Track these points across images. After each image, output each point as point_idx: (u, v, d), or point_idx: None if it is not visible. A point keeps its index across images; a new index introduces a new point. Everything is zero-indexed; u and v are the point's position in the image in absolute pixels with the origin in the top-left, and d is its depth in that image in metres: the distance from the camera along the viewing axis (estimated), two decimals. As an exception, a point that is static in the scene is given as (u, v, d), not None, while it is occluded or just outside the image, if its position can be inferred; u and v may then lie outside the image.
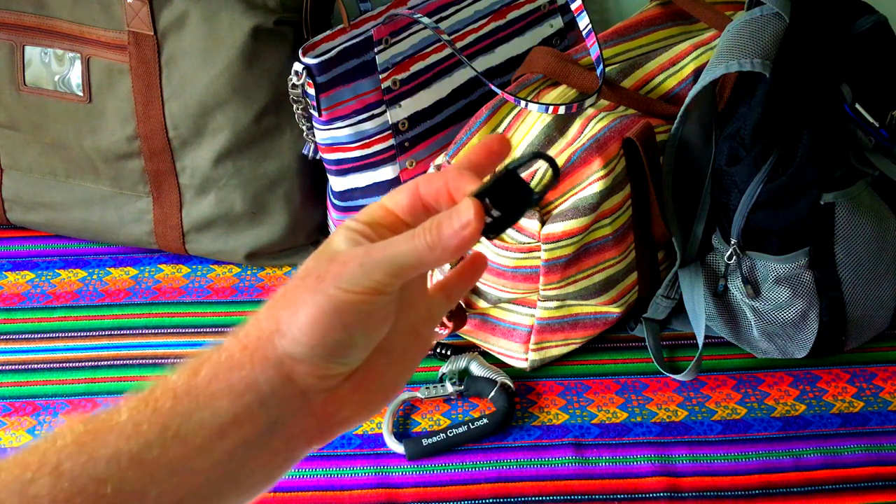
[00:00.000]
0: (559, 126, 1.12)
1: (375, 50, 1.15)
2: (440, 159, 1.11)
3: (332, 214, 1.26)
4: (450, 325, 1.14)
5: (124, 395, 0.48)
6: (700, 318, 1.11)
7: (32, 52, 1.25)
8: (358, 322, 0.51)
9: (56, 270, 1.30)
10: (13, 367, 1.18)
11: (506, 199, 0.52)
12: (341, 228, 0.55)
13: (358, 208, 1.22)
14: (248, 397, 0.49)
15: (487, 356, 1.16)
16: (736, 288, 1.11)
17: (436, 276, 1.15)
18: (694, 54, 1.18)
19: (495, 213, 0.52)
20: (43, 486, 0.45)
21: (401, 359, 0.55)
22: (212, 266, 1.30)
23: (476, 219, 0.50)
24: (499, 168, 0.53)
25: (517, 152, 1.11)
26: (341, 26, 1.17)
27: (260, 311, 0.52)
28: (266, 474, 0.51)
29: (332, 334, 0.50)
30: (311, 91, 1.14)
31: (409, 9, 1.19)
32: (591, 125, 1.10)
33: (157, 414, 0.47)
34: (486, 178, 0.53)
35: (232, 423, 0.49)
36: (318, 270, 0.51)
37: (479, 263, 0.59)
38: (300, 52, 1.14)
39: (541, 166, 1.08)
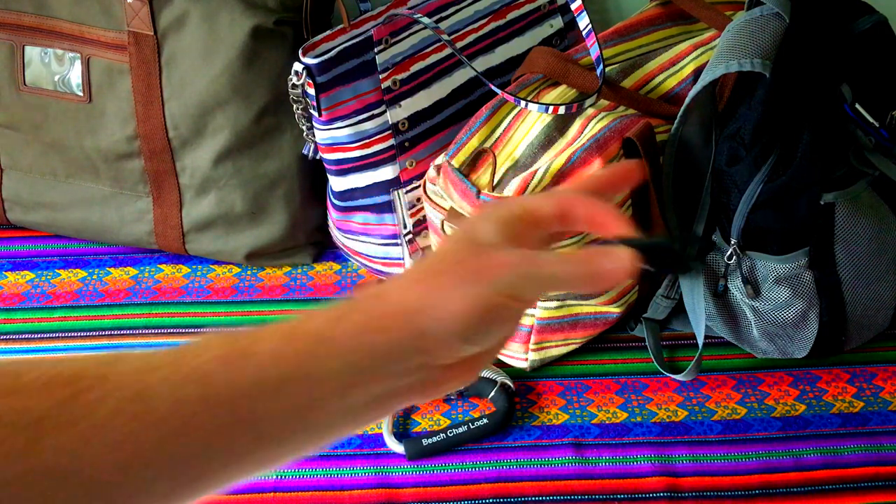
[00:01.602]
0: (559, 126, 1.12)
1: (375, 50, 1.15)
2: (440, 159, 1.11)
3: (332, 214, 1.26)
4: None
5: (262, 325, 0.51)
6: (700, 318, 1.11)
7: (32, 52, 1.25)
8: (503, 320, 0.55)
9: (56, 270, 1.30)
10: (13, 367, 1.18)
11: (657, 262, 0.57)
12: (489, 218, 0.57)
13: (358, 208, 1.22)
14: (386, 360, 0.52)
15: (487, 356, 1.16)
16: (736, 288, 1.11)
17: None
18: (694, 54, 1.18)
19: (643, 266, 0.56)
20: (191, 393, 0.47)
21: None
22: (212, 266, 1.30)
23: (632, 272, 0.55)
24: (661, 236, 0.56)
25: (518, 151, 1.11)
26: (341, 26, 1.17)
27: (393, 283, 0.54)
28: (364, 424, 0.54)
29: (478, 327, 0.53)
30: (311, 91, 1.14)
31: (409, 9, 1.19)
32: (591, 125, 1.10)
33: (297, 354, 0.50)
34: (643, 236, 0.57)
35: (365, 379, 0.51)
36: (471, 262, 0.54)
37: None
38: (300, 52, 1.14)
39: (540, 167, 1.08)
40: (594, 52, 1.14)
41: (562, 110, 1.10)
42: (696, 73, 1.16)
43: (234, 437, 0.49)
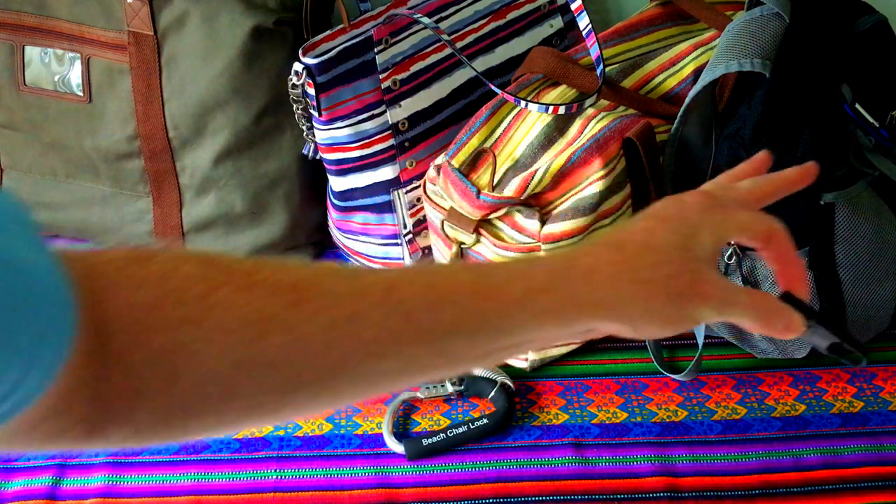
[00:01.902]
0: (559, 126, 1.12)
1: (375, 50, 1.15)
2: (440, 159, 1.11)
3: (332, 214, 1.26)
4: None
5: (462, 262, 0.57)
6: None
7: (32, 52, 1.25)
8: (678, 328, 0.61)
9: (56, 270, 1.30)
10: (13, 367, 1.18)
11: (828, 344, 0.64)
12: (711, 230, 0.62)
13: (358, 208, 1.22)
14: (566, 330, 0.58)
15: (487, 356, 1.16)
16: (736, 288, 1.11)
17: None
18: (694, 54, 1.18)
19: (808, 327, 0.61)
20: (395, 326, 0.53)
21: None
22: (212, 266, 1.30)
23: (797, 335, 0.62)
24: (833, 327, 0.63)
25: (518, 151, 1.11)
26: (341, 26, 1.17)
27: (609, 263, 0.58)
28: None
29: (657, 333, 0.60)
30: (311, 91, 1.14)
31: (409, 9, 1.19)
32: (591, 125, 1.10)
33: (485, 313, 0.55)
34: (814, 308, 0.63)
35: (541, 338, 0.58)
36: (683, 282, 0.59)
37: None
38: (300, 52, 1.14)
39: (540, 167, 1.08)
40: (594, 52, 1.14)
41: (562, 110, 1.10)
42: (696, 73, 1.16)
43: (426, 365, 0.55)
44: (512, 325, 0.55)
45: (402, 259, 1.23)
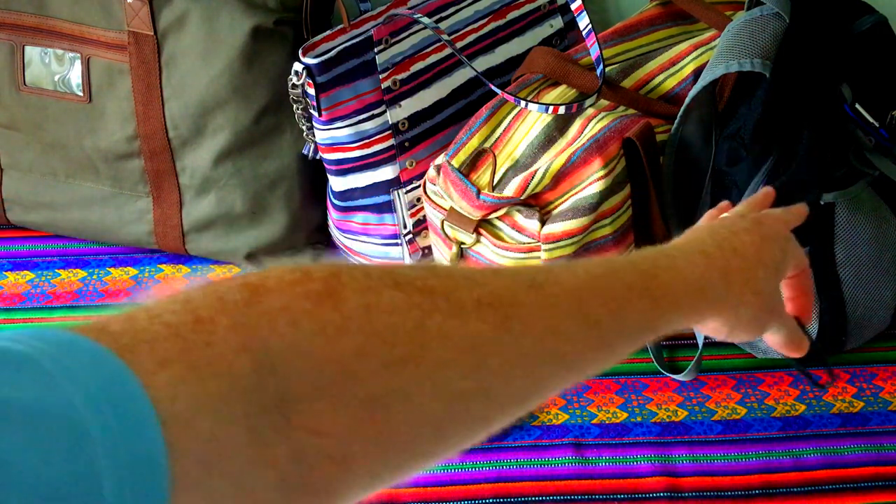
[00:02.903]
0: (559, 126, 1.12)
1: (375, 50, 1.15)
2: (440, 159, 1.11)
3: (332, 214, 1.26)
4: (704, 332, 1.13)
5: (626, 258, 0.59)
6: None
7: (32, 52, 1.25)
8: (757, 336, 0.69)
9: (56, 270, 1.30)
10: (13, 367, 1.18)
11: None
12: (791, 257, 0.69)
13: (358, 208, 1.22)
14: (692, 324, 0.63)
15: (487, 356, 1.16)
16: (736, 288, 1.11)
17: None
18: (694, 54, 1.18)
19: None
20: (599, 311, 0.54)
21: None
22: (212, 266, 1.30)
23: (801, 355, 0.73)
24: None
25: (518, 151, 1.11)
26: (341, 26, 1.17)
27: (728, 268, 0.63)
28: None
29: (746, 338, 0.67)
30: (311, 91, 1.14)
31: (409, 9, 1.19)
32: (591, 125, 1.10)
33: (663, 301, 0.58)
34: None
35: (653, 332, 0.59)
36: (773, 303, 0.67)
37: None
38: (300, 52, 1.14)
39: (540, 167, 1.08)
40: (594, 52, 1.14)
41: (562, 110, 1.10)
42: (696, 73, 1.16)
43: (599, 366, 0.55)
44: (669, 323, 0.58)
45: (402, 259, 1.23)
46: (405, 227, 1.22)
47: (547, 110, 1.10)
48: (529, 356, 0.50)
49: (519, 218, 1.07)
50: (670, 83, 1.17)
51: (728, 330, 0.65)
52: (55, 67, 1.25)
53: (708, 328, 0.65)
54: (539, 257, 1.07)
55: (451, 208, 1.10)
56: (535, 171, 1.07)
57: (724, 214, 0.73)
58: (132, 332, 0.39)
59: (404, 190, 1.21)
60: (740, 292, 0.63)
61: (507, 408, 0.50)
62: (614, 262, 0.58)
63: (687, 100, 1.08)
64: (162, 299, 0.42)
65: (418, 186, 1.20)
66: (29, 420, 0.34)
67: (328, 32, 1.16)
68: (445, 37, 1.16)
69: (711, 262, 0.61)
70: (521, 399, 0.51)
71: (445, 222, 1.10)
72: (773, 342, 0.71)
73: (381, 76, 1.16)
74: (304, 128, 1.20)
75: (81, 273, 1.29)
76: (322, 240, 1.31)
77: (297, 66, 1.13)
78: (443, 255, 1.14)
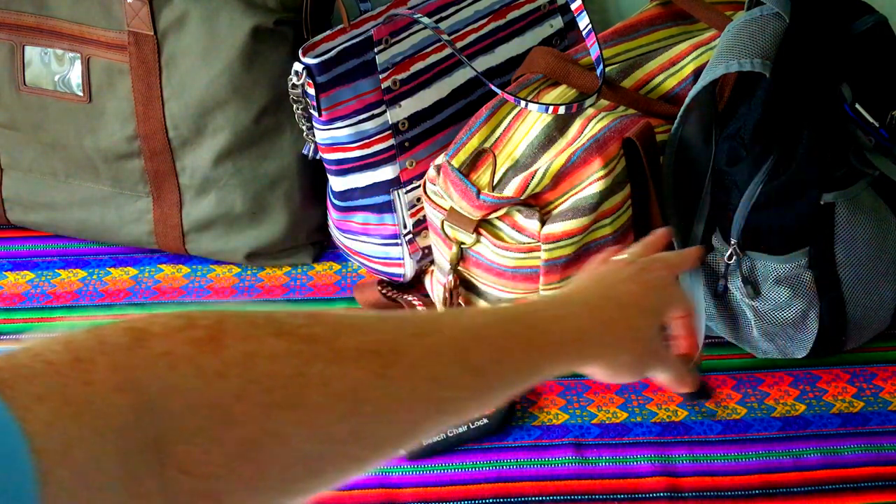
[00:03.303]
0: (559, 126, 1.12)
1: (375, 50, 1.15)
2: (440, 159, 1.11)
3: (332, 214, 1.26)
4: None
5: (506, 309, 0.63)
6: (700, 318, 1.11)
7: (32, 52, 1.25)
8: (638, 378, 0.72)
9: (56, 270, 1.30)
10: (13, 367, 1.18)
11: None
12: (672, 303, 0.74)
13: (358, 208, 1.22)
14: (576, 369, 0.66)
15: (487, 356, 1.16)
16: (736, 288, 1.11)
17: (436, 275, 1.16)
18: (694, 54, 1.18)
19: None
20: (468, 384, 0.56)
21: None
22: (212, 266, 1.30)
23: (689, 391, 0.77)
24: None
25: (518, 151, 1.11)
26: (341, 26, 1.17)
27: (599, 311, 0.67)
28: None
29: (628, 380, 0.71)
30: (311, 91, 1.14)
31: (409, 9, 1.19)
32: (591, 125, 1.10)
33: (543, 351, 0.61)
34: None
35: (538, 377, 0.63)
36: (652, 347, 0.70)
37: None
38: (300, 52, 1.14)
39: (540, 167, 1.08)
40: (594, 52, 1.14)
41: (562, 110, 1.10)
42: (696, 73, 1.16)
43: (477, 411, 0.57)
44: (551, 369, 0.61)
45: (402, 259, 1.23)
46: (405, 227, 1.22)
47: (547, 110, 1.10)
48: (407, 402, 0.52)
49: (519, 218, 1.07)
50: (670, 83, 1.17)
51: (611, 373, 0.68)
52: (55, 67, 1.25)
53: (591, 371, 0.68)
54: (539, 257, 1.07)
55: (451, 208, 1.10)
56: (535, 171, 1.07)
57: (617, 257, 0.76)
58: (11, 367, 0.40)
59: (404, 190, 1.21)
60: (620, 340, 0.67)
61: (382, 449, 0.52)
62: (500, 312, 0.61)
63: (687, 100, 1.08)
64: (45, 340, 0.43)
65: (418, 186, 1.20)
66: None
67: (328, 32, 1.16)
68: (445, 37, 1.16)
69: (593, 312, 0.65)
70: (396, 441, 0.53)
71: (445, 222, 1.10)
72: (660, 381, 0.74)
73: (381, 76, 1.16)
74: (304, 128, 1.20)
75: (81, 273, 1.29)
76: (322, 240, 1.31)
77: (297, 66, 1.13)
78: (443, 255, 1.14)
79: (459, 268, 1.13)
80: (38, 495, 0.36)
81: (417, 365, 0.53)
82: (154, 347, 0.44)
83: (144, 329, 0.45)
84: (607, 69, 1.16)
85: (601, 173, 1.07)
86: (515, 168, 1.10)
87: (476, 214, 1.07)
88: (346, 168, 1.20)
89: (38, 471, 0.37)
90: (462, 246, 1.10)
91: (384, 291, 1.23)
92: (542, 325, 0.61)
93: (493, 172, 1.08)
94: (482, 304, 1.14)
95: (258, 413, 0.46)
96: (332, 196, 1.24)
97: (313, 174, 1.27)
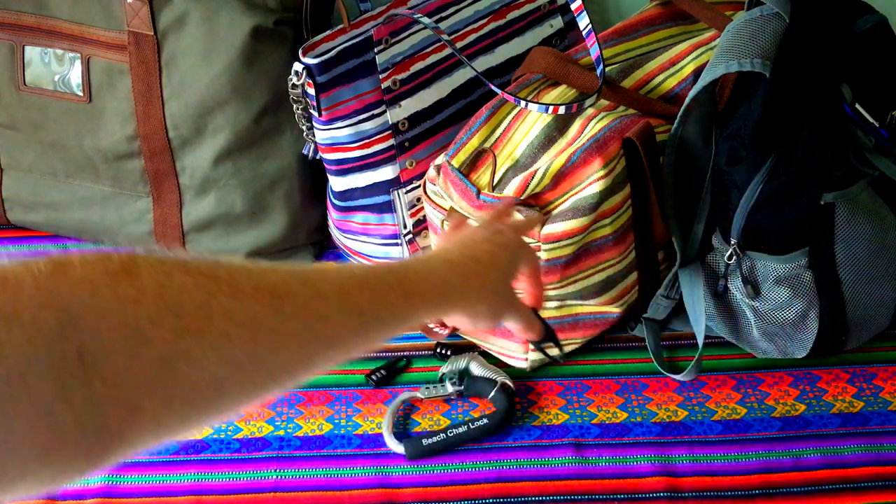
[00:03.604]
0: (559, 126, 1.12)
1: (375, 50, 1.15)
2: (440, 159, 1.11)
3: (332, 214, 1.26)
4: (450, 325, 1.14)
5: (385, 265, 0.71)
6: (700, 318, 1.11)
7: (32, 52, 1.25)
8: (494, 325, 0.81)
9: (56, 270, 1.30)
10: (13, 367, 1.18)
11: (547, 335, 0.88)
12: (524, 260, 0.82)
13: (358, 208, 1.22)
14: (438, 316, 0.76)
15: (487, 356, 1.16)
16: (736, 288, 1.11)
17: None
18: (694, 54, 1.18)
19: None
20: (352, 322, 0.64)
21: None
22: (212, 266, 1.30)
23: (537, 338, 0.87)
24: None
25: (518, 151, 1.11)
26: (341, 26, 1.17)
27: (455, 268, 0.75)
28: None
29: (483, 327, 0.80)
30: (311, 91, 1.14)
31: (409, 9, 1.19)
32: (591, 125, 1.10)
33: (413, 299, 0.69)
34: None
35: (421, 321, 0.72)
36: (504, 297, 0.79)
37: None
38: (300, 52, 1.14)
39: (540, 167, 1.08)
40: (594, 52, 1.14)
41: (562, 110, 1.10)
42: (696, 73, 1.16)
43: (358, 350, 0.65)
44: (419, 314, 0.70)
45: (402, 259, 1.24)
46: (405, 227, 1.22)
47: (547, 110, 1.10)
48: (299, 335, 0.60)
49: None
50: (670, 83, 1.17)
51: (470, 320, 0.77)
52: (55, 67, 1.25)
53: (453, 320, 0.77)
54: (539, 258, 1.07)
55: (451, 208, 1.10)
56: (535, 171, 1.07)
57: (471, 221, 0.85)
58: None
59: (404, 190, 1.21)
60: (478, 291, 0.76)
61: (279, 377, 0.59)
62: (377, 267, 0.71)
63: (687, 100, 1.08)
64: None
65: (418, 186, 1.20)
66: None
67: (328, 32, 1.16)
68: (445, 37, 1.16)
69: (455, 269, 0.75)
70: (291, 370, 0.60)
71: (445, 222, 1.10)
72: (512, 328, 0.83)
73: (381, 76, 1.16)
74: (304, 128, 1.20)
75: (81, 273, 1.29)
76: (322, 240, 1.31)
77: (297, 66, 1.13)
78: (443, 255, 1.14)
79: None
80: None
81: (307, 305, 0.60)
82: (75, 274, 0.50)
83: (66, 260, 0.51)
84: (607, 69, 1.16)
85: (601, 173, 1.07)
86: (515, 168, 1.10)
87: (476, 214, 1.07)
88: (346, 168, 1.20)
89: None
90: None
91: (384, 291, 1.23)
92: (412, 277, 0.70)
93: (493, 172, 1.08)
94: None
95: (170, 336, 0.52)
96: (332, 196, 1.24)
97: (313, 174, 1.27)
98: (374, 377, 1.15)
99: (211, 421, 0.57)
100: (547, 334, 0.87)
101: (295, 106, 1.17)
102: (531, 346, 0.89)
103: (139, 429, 0.52)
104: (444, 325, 1.15)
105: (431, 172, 1.12)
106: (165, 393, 0.52)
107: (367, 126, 1.18)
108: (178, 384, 0.53)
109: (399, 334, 0.68)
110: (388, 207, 1.22)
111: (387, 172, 1.20)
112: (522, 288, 0.85)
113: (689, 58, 1.18)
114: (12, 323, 0.47)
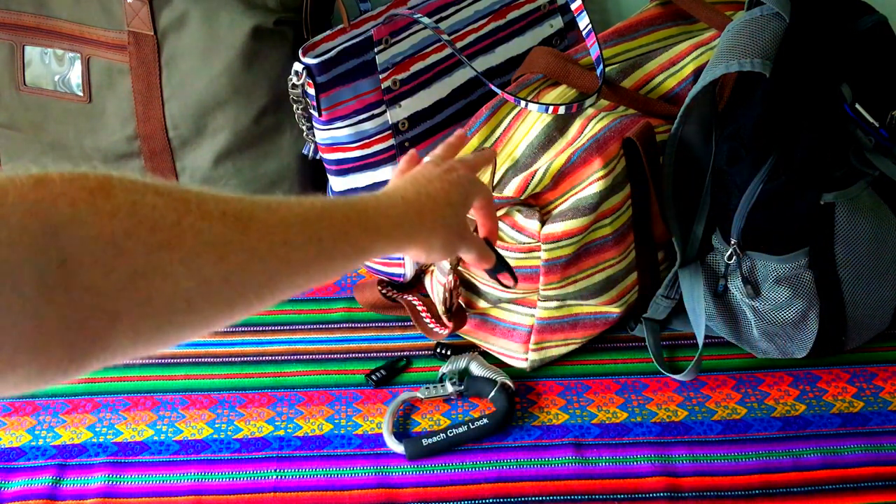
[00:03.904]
0: (559, 126, 1.12)
1: (375, 50, 1.16)
2: (440, 159, 1.11)
3: (332, 214, 1.26)
4: (450, 324, 1.14)
5: (344, 199, 0.75)
6: (700, 318, 1.11)
7: (32, 52, 1.25)
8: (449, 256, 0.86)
9: (56, 270, 1.30)
10: (13, 367, 1.18)
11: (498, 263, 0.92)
12: (476, 193, 0.86)
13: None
14: (396, 250, 0.80)
15: (487, 356, 1.16)
16: (736, 288, 1.11)
17: (436, 275, 1.16)
18: (694, 54, 1.18)
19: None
20: (310, 252, 0.69)
21: None
22: (212, 266, 1.30)
23: (490, 266, 0.91)
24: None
25: (518, 151, 1.11)
26: (341, 26, 1.17)
27: (412, 204, 0.80)
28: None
29: (438, 259, 0.85)
30: (311, 91, 1.14)
31: (409, 9, 1.19)
32: (591, 125, 1.10)
33: (370, 231, 0.75)
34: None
35: (379, 254, 0.77)
36: (456, 230, 0.83)
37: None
38: (300, 52, 1.14)
39: (540, 167, 1.08)
40: (594, 52, 1.14)
41: (562, 110, 1.10)
42: (696, 73, 1.16)
43: (319, 277, 0.70)
44: (376, 246, 0.75)
45: (402, 259, 1.23)
46: (405, 227, 1.22)
47: (547, 110, 1.10)
48: (265, 258, 0.64)
49: (519, 218, 1.07)
50: (670, 83, 1.17)
51: (426, 254, 0.81)
52: (55, 67, 1.25)
53: (410, 254, 0.82)
54: (539, 257, 1.07)
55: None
56: (536, 171, 1.07)
57: (426, 159, 0.90)
58: None
59: (404, 190, 1.21)
60: (432, 226, 0.80)
61: (246, 296, 0.64)
62: (339, 201, 0.75)
63: (687, 100, 1.08)
64: None
65: (418, 186, 1.20)
66: None
67: (328, 32, 1.16)
68: (445, 37, 1.16)
69: (409, 204, 0.79)
70: (258, 290, 0.65)
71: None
72: (468, 259, 0.88)
73: (381, 76, 1.17)
74: (304, 128, 1.20)
75: (81, 273, 1.29)
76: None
77: (297, 66, 1.13)
78: (443, 255, 1.14)
79: (459, 268, 1.13)
80: None
81: (272, 230, 0.65)
82: (55, 189, 0.54)
83: (46, 176, 0.55)
84: (607, 69, 1.16)
85: (601, 173, 1.07)
86: (515, 168, 1.10)
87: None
88: (346, 168, 1.20)
89: None
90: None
91: (384, 291, 1.23)
92: (371, 213, 0.75)
93: (494, 172, 1.08)
94: (482, 304, 1.14)
95: (144, 250, 0.57)
96: (332, 196, 1.24)
97: (313, 174, 1.27)
98: (374, 377, 1.15)
99: (186, 336, 0.61)
100: (500, 263, 0.91)
101: (295, 106, 1.17)
102: (487, 274, 0.92)
103: (118, 335, 0.56)
104: (443, 325, 1.15)
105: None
106: (141, 303, 0.57)
107: (367, 126, 1.18)
108: (153, 296, 0.57)
109: (356, 266, 0.74)
110: (388, 207, 1.22)
111: (387, 172, 1.20)
112: (477, 220, 0.90)
113: (689, 58, 1.18)
114: (0, 225, 0.51)
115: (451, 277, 1.11)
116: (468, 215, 0.87)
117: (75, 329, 0.54)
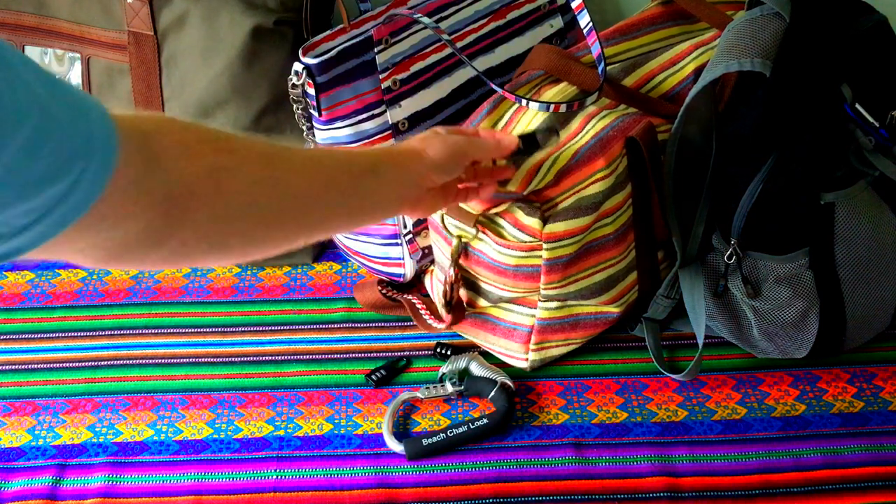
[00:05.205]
0: (560, 120, 1.12)
1: (375, 50, 1.15)
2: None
3: (332, 214, 1.26)
4: (448, 317, 1.14)
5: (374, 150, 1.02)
6: (700, 318, 1.11)
7: (32, 53, 1.25)
8: (457, 168, 0.97)
9: (56, 270, 1.30)
10: (13, 367, 1.18)
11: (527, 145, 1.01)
12: (469, 154, 0.99)
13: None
14: (412, 190, 0.95)
15: (487, 356, 1.16)
16: (736, 288, 1.11)
17: (437, 273, 1.16)
18: (694, 54, 1.18)
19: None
20: (360, 169, 0.88)
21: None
22: (213, 267, 1.30)
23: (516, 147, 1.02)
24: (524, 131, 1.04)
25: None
26: (341, 26, 1.17)
27: (416, 143, 0.96)
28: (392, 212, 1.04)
29: (445, 166, 0.96)
30: (311, 91, 1.14)
31: (409, 9, 1.19)
32: (592, 122, 1.10)
33: (396, 167, 0.93)
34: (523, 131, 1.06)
35: (406, 189, 0.96)
36: (461, 141, 0.96)
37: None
38: (300, 52, 1.14)
39: (544, 162, 1.08)
40: (595, 49, 1.14)
41: (563, 108, 1.10)
42: (697, 73, 1.16)
43: (352, 212, 0.89)
44: (389, 196, 0.92)
45: (402, 259, 1.23)
46: (405, 227, 1.22)
47: (548, 108, 1.10)
48: (300, 172, 0.81)
49: (520, 215, 1.07)
50: (671, 82, 1.17)
51: (432, 163, 0.93)
52: (55, 67, 1.25)
53: (405, 212, 1.03)
54: (541, 256, 1.07)
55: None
56: (540, 165, 1.07)
57: (437, 128, 0.99)
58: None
59: (404, 190, 1.21)
60: (431, 139, 0.94)
61: (291, 203, 0.80)
62: (366, 150, 1.01)
63: (687, 99, 1.08)
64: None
65: (418, 186, 1.20)
66: (62, 92, 0.68)
67: (328, 32, 1.16)
68: (445, 37, 1.16)
69: (418, 154, 0.93)
70: (301, 198, 0.80)
71: (446, 217, 1.10)
72: (483, 152, 0.99)
73: (381, 76, 1.16)
74: (304, 128, 1.20)
75: (81, 273, 1.29)
76: (322, 240, 1.31)
77: (297, 66, 1.13)
78: (443, 253, 1.14)
79: (461, 263, 1.12)
80: (113, 161, 0.66)
81: (314, 169, 0.82)
82: (143, 115, 0.74)
83: (136, 113, 0.77)
84: (608, 68, 1.16)
85: (604, 172, 1.07)
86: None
87: (477, 208, 1.07)
88: (346, 168, 1.20)
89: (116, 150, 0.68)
90: (463, 240, 1.10)
91: (384, 291, 1.23)
92: (399, 159, 0.92)
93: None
94: (483, 303, 1.14)
95: (211, 152, 0.73)
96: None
97: (313, 174, 1.27)
98: (374, 377, 1.15)
99: (247, 242, 0.78)
100: (526, 139, 1.01)
101: (295, 106, 1.17)
102: (517, 162, 1.05)
103: (194, 223, 0.71)
104: (439, 319, 1.15)
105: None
106: (214, 194, 0.72)
107: (367, 126, 1.18)
108: (222, 189, 0.72)
109: (384, 197, 0.90)
110: (388, 207, 1.22)
111: (387, 172, 1.20)
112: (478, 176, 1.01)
113: (690, 57, 1.18)
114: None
115: (452, 271, 1.11)
116: (467, 206, 1.02)
117: (157, 206, 0.68)
